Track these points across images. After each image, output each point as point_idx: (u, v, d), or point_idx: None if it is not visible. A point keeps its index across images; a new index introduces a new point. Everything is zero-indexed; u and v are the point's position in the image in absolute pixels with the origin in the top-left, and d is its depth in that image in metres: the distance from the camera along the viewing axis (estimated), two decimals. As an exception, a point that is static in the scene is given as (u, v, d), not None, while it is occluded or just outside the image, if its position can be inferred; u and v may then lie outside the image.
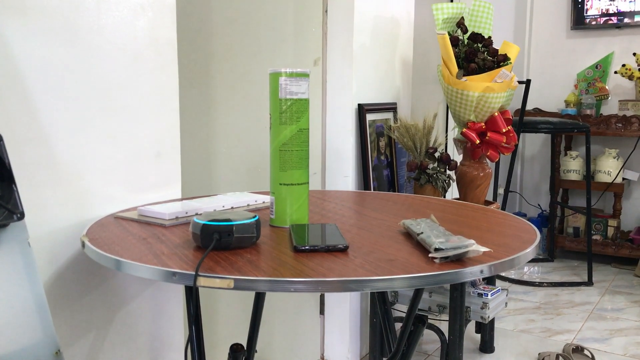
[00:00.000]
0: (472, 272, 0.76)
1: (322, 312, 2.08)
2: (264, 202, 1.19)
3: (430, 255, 0.80)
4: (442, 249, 0.79)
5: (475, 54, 1.85)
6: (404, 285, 0.73)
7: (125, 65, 1.13)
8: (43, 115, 0.99)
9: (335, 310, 2.06)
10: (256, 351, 1.28)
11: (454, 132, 2.03)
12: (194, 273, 0.73)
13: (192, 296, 0.75)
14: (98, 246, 0.86)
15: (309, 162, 1.01)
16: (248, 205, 1.16)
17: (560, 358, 2.08)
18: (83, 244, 0.90)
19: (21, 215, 0.81)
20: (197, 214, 1.05)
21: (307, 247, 0.84)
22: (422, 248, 0.86)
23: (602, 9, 3.53)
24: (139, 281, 1.19)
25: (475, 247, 0.80)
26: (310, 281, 0.71)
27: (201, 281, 0.73)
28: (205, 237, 0.83)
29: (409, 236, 0.94)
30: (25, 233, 0.84)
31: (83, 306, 1.08)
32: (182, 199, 1.22)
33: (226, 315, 1.81)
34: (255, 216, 0.88)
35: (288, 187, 1.00)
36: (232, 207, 1.13)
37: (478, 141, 1.88)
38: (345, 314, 2.05)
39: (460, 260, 0.79)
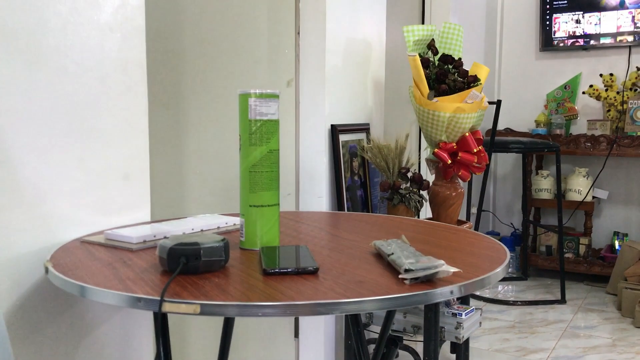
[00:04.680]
0: (442, 293, 0.76)
1: (296, 335, 2.05)
2: (234, 224, 1.18)
3: (400, 276, 0.80)
4: (412, 270, 0.79)
5: (445, 75, 1.87)
6: (374, 307, 0.72)
7: (92, 87, 1.12)
8: (6, 137, 0.97)
9: (310, 333, 2.04)
10: (228, 377, 1.25)
11: (426, 152, 2.05)
12: (159, 299, 0.71)
13: (159, 322, 0.74)
14: (62, 272, 0.84)
15: (279, 184, 1.01)
16: (218, 227, 1.15)
17: (535, 377, 2.08)
18: (47, 270, 0.87)
19: (-20, 241, 0.79)
20: (164, 237, 1.03)
21: (276, 270, 0.82)
22: (392, 269, 0.86)
23: (569, 31, 3.61)
24: (106, 307, 1.16)
25: (445, 268, 0.79)
26: (278, 305, 0.70)
27: (167, 307, 0.71)
28: (172, 261, 0.82)
29: (380, 257, 0.94)
30: (-15, 259, 0.81)
31: (47, 335, 1.05)
32: (151, 222, 1.20)
33: (197, 339, 1.78)
34: (223, 239, 0.86)
35: (258, 209, 0.98)
36: (201, 230, 1.11)
37: (450, 161, 1.89)
38: (320, 337, 2.02)
39: (430, 280, 0.79)
